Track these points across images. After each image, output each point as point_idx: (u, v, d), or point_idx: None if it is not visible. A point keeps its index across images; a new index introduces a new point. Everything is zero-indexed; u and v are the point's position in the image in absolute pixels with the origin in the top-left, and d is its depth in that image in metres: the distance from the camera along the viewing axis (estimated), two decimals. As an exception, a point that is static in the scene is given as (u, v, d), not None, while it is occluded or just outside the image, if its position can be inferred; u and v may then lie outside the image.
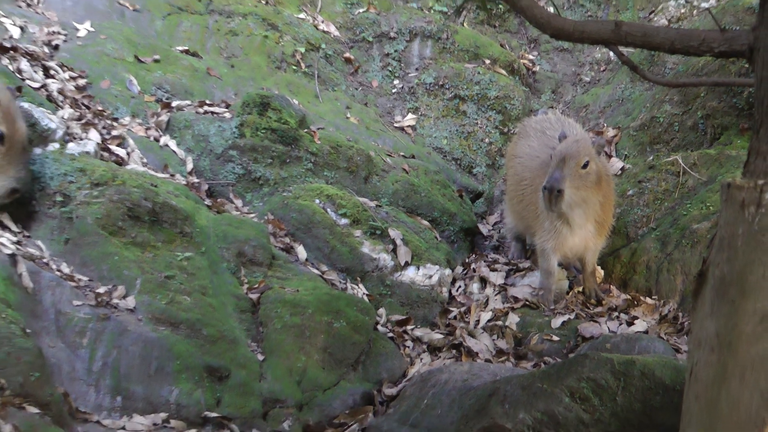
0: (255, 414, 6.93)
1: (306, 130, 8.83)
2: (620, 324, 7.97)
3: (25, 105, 7.91)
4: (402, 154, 9.43)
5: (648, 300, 8.27)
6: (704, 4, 10.62)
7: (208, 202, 8.19)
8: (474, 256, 8.98)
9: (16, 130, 7.28)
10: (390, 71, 10.50)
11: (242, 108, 8.76)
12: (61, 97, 8.45)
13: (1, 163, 7.22)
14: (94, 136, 8.09)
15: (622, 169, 9.13)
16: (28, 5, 9.95)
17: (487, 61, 10.52)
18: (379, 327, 7.75)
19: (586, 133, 8.22)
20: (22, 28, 9.27)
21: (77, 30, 9.55)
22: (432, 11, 10.83)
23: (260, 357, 7.20)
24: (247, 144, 8.59)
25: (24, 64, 8.74)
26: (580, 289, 8.48)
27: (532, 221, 8.33)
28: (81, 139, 7.97)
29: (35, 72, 8.68)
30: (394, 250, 8.21)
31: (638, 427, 6.23)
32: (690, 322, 5.59)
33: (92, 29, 9.60)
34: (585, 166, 7.83)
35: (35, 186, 7.49)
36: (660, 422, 6.13)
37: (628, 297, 8.38)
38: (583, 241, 8.23)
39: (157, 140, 8.61)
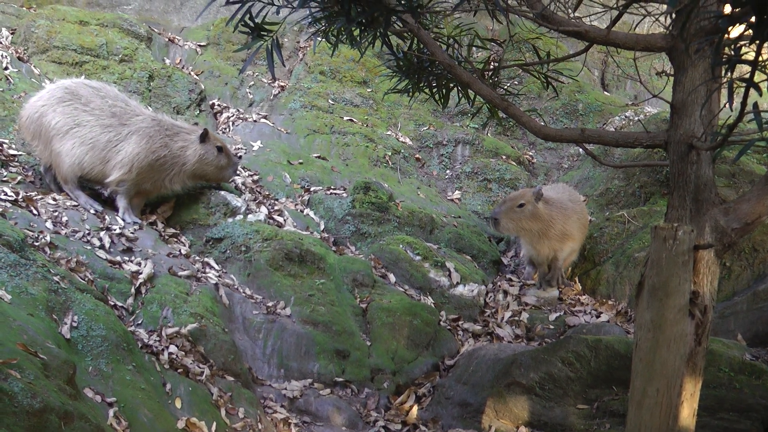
0: (366, 378, 6.93)
1: (393, 202, 8.83)
2: (591, 317, 7.87)
3: (222, 192, 8.01)
4: (453, 216, 9.39)
5: (608, 302, 8.16)
6: (637, 118, 10.52)
7: (334, 248, 8.20)
8: (499, 277, 8.91)
9: (222, 142, 7.86)
10: (444, 165, 10.48)
11: (354, 190, 8.78)
12: (243, 187, 8.53)
13: (226, 161, 7.92)
14: (263, 210, 8.15)
15: (590, 221, 9.04)
16: (224, 132, 10.07)
17: (504, 157, 10.47)
18: (441, 323, 7.69)
19: (531, 188, 8.41)
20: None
21: (253, 146, 9.65)
22: (468, 127, 10.80)
23: (368, 343, 7.19)
24: (357, 212, 8.60)
25: (221, 167, 8.85)
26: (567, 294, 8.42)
27: (525, 245, 8.37)
28: (256, 212, 8.03)
29: (227, 172, 8.79)
30: (449, 275, 8.16)
31: (604, 380, 6.15)
32: (634, 314, 5.56)
33: (262, 145, 9.69)
34: (520, 205, 7.93)
35: (229, 241, 7.57)
36: (618, 377, 6.05)
37: (595, 300, 8.31)
38: (548, 250, 8.30)
39: (302, 211, 8.64)
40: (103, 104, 7.46)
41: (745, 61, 3.39)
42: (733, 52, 3.49)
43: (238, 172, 8.39)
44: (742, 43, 3.50)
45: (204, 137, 7.68)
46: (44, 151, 7.40)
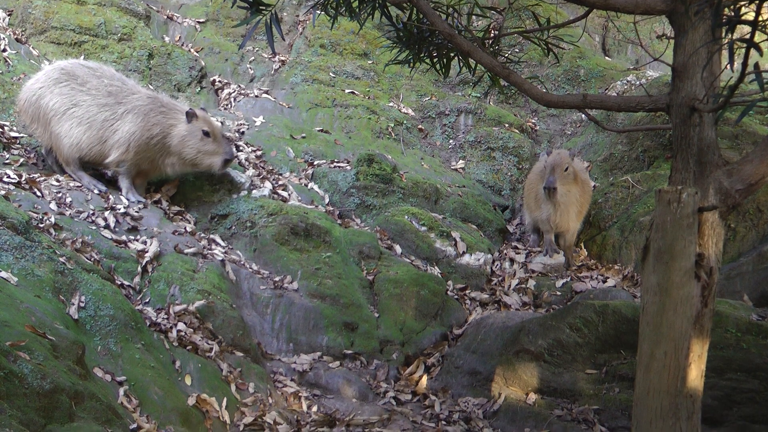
0: (375, 350, 6.97)
1: (397, 174, 8.82)
2: (598, 282, 7.89)
3: (226, 169, 8.00)
4: (457, 185, 9.39)
5: (615, 266, 8.18)
6: (638, 82, 10.48)
7: (339, 221, 8.21)
8: (505, 245, 8.92)
9: (214, 127, 7.44)
10: (447, 135, 10.46)
11: (357, 162, 8.78)
12: (247, 163, 8.52)
13: (213, 148, 7.38)
14: (268, 185, 8.15)
15: (594, 186, 9.03)
16: (225, 108, 10.05)
17: (506, 125, 10.44)
18: (448, 292, 7.71)
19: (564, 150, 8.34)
20: (222, 123, 9.37)
21: (255, 122, 9.62)
22: (471, 96, 10.76)
23: (376, 315, 7.21)
24: (361, 184, 8.60)
25: (223, 144, 8.84)
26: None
27: (536, 212, 8.33)
28: (260, 188, 8.03)
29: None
30: (455, 245, 8.17)
31: (612, 345, 6.18)
32: (641, 278, 5.57)
33: (264, 121, 9.66)
34: (566, 169, 7.93)
35: (234, 217, 7.58)
36: (625, 341, 6.07)
37: (601, 266, 8.33)
38: (565, 221, 8.23)
39: (306, 185, 8.64)
40: (100, 84, 7.42)
41: (745, 22, 3.37)
42: (732, 13, 3.47)
43: (236, 156, 8.13)
44: (741, 3, 3.49)
45: (190, 117, 7.36)
46: (44, 134, 7.38)
